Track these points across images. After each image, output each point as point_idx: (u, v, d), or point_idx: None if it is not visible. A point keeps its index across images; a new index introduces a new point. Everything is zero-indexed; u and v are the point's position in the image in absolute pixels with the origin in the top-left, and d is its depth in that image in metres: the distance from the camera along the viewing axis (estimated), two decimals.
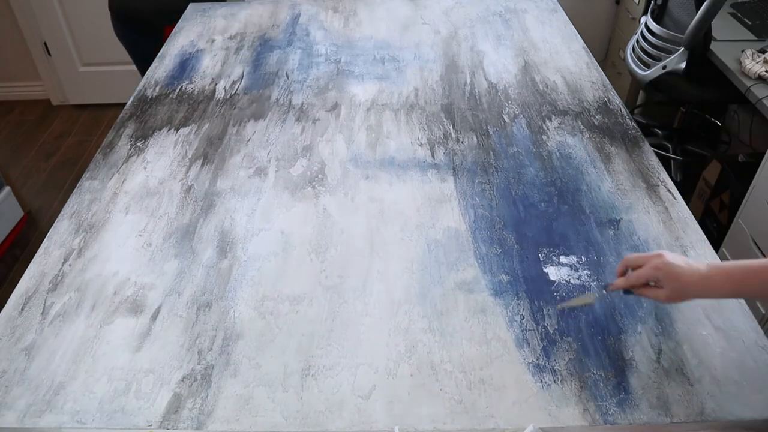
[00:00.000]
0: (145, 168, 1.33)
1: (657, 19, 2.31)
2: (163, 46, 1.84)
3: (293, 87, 1.61)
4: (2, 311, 1.01)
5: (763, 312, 1.73)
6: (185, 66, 1.73)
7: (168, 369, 0.90)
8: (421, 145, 1.37)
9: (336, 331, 0.95)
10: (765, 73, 1.84)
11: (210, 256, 1.10)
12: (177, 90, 1.61)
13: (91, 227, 1.17)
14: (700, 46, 2.06)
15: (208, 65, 1.73)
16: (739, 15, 2.25)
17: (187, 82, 1.65)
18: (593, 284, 1.02)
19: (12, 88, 3.37)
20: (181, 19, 2.01)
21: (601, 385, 0.87)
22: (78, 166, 2.86)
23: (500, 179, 1.26)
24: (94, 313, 1.00)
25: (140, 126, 1.47)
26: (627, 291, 0.90)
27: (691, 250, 1.08)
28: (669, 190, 1.22)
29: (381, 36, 1.86)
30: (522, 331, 0.94)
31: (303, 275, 1.05)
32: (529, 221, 1.15)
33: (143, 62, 1.90)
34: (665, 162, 2.27)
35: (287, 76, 1.66)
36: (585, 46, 1.77)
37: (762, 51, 1.93)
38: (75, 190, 1.27)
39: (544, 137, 1.38)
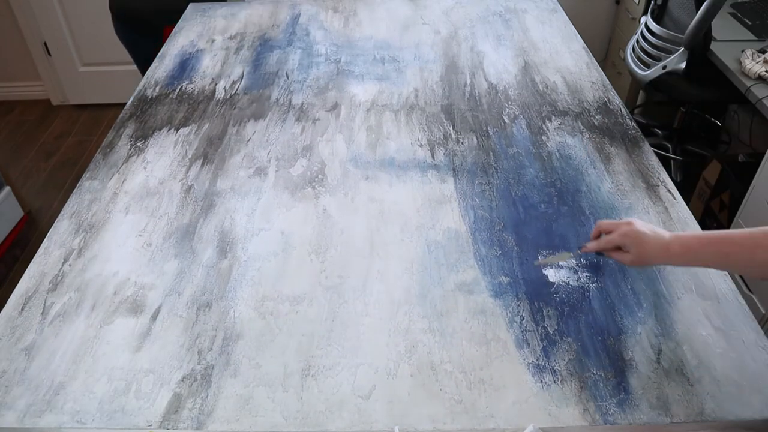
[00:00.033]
0: (145, 168, 1.33)
1: (657, 19, 2.31)
2: (163, 46, 1.84)
3: (293, 87, 1.61)
4: (2, 311, 1.01)
5: (763, 312, 1.73)
6: (185, 66, 1.73)
7: (168, 369, 0.91)
8: (421, 145, 1.37)
9: (336, 332, 0.95)
10: (765, 73, 1.84)
11: (210, 256, 1.10)
12: (177, 90, 1.61)
13: (91, 227, 1.17)
14: (700, 46, 2.06)
15: (208, 65, 1.73)
16: (739, 15, 2.25)
17: (187, 82, 1.65)
18: (593, 285, 1.02)
19: (12, 88, 3.37)
20: (181, 19, 2.01)
21: (601, 385, 0.87)
22: (78, 166, 2.86)
23: (500, 180, 1.26)
24: (94, 313, 1.00)
25: (140, 126, 1.47)
26: (599, 253, 1.01)
27: None
28: (669, 191, 1.22)
29: (381, 36, 1.86)
30: (522, 331, 0.94)
31: (303, 275, 1.05)
32: (529, 222, 1.15)
33: (144, 62, 1.90)
34: (665, 162, 2.27)
35: (287, 76, 1.66)
36: (585, 46, 1.77)
37: (762, 51, 1.93)
38: (75, 190, 1.28)
39: (544, 138, 1.38)
